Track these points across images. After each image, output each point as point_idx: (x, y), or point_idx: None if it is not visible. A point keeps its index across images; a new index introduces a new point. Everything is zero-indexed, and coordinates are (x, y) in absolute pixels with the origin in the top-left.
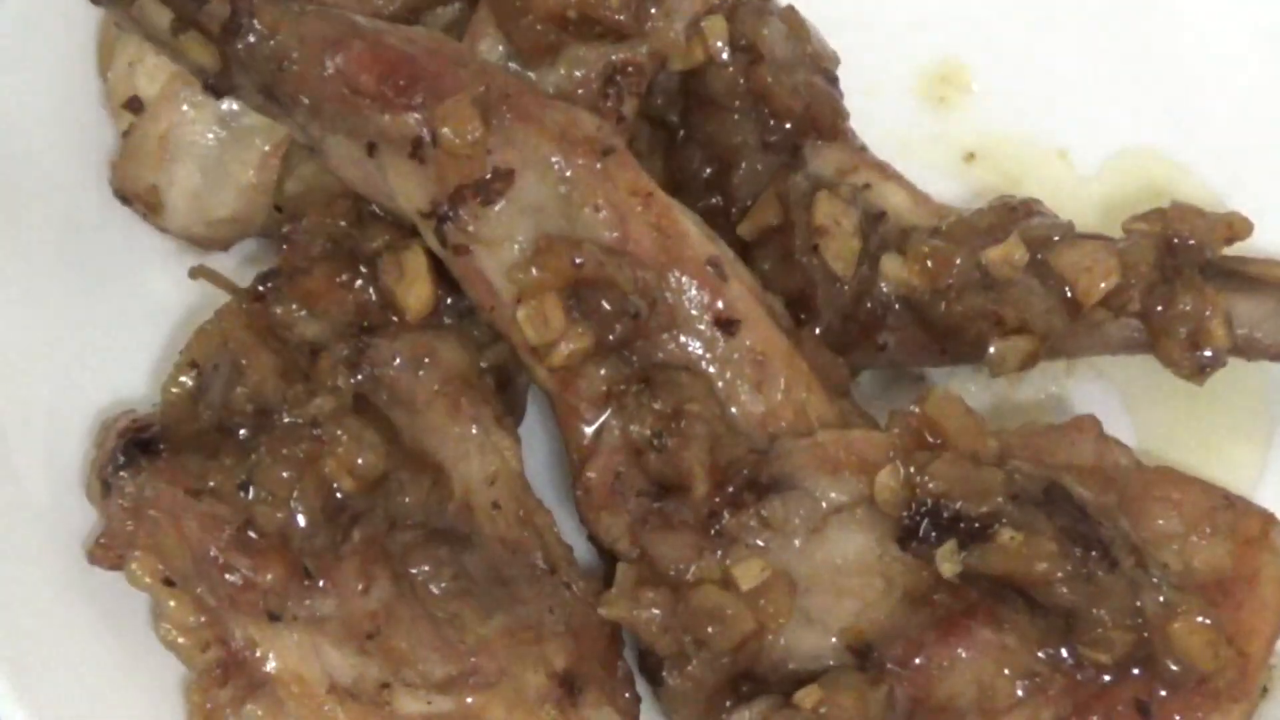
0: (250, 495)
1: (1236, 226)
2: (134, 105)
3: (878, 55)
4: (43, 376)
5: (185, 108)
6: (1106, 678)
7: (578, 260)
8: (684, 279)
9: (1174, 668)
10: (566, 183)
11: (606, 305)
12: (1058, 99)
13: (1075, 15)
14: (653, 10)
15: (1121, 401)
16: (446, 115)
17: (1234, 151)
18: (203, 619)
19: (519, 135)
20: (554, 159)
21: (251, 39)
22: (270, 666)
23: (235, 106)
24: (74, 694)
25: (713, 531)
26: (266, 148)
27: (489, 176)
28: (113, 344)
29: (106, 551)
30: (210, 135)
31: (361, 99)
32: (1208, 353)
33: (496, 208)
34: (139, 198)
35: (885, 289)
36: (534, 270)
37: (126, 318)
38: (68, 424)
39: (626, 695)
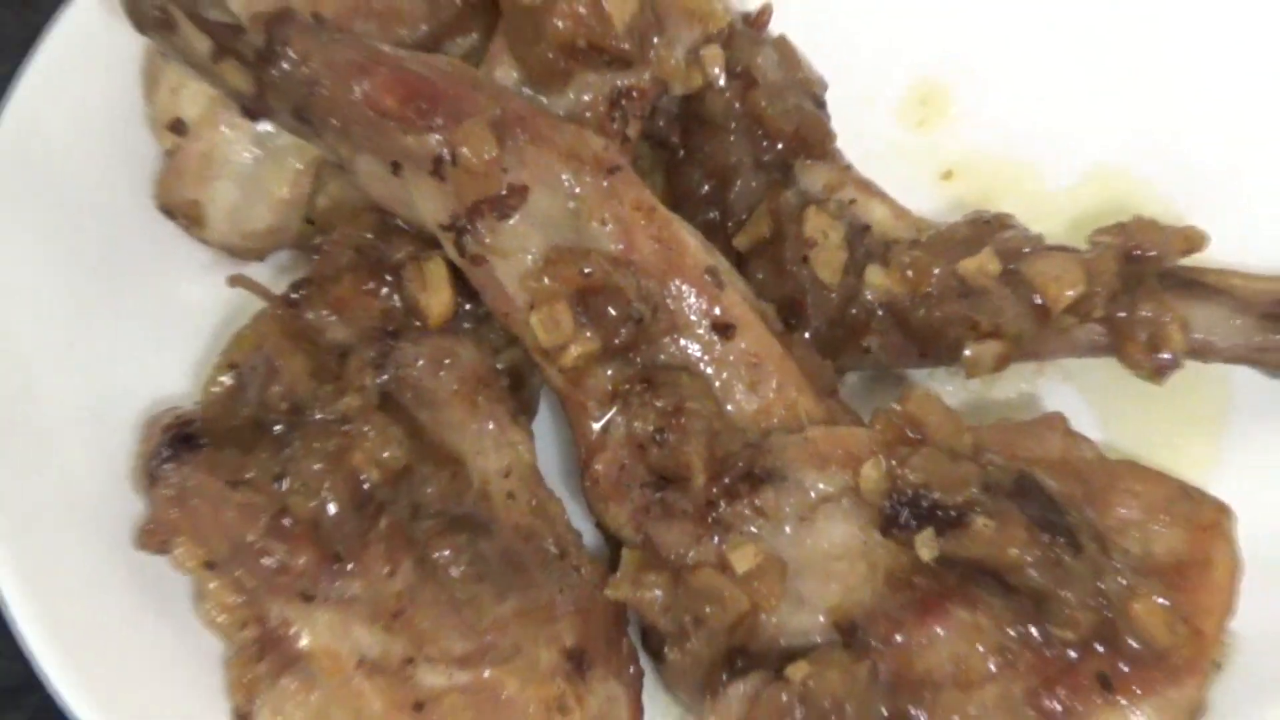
0: (284, 486)
1: (1193, 239)
2: (177, 127)
3: (862, 80)
4: (91, 377)
5: (224, 129)
6: (1072, 654)
7: (586, 270)
8: (684, 287)
9: (1134, 645)
10: (575, 198)
11: (612, 311)
12: (1030, 121)
13: (1047, 43)
14: (655, 40)
15: (1086, 400)
16: (465, 136)
17: (1192, 170)
18: (241, 599)
19: (531, 155)
20: (564, 177)
21: (285, 66)
22: (303, 643)
23: (270, 128)
24: (122, 669)
25: (710, 519)
26: (299, 166)
27: (504, 193)
28: (156, 346)
29: (152, 538)
30: (247, 155)
31: (386, 121)
32: (1166, 355)
33: (511, 221)
34: (182, 212)
35: (869, 297)
36: (546, 279)
37: (169, 322)
38: (115, 420)
39: (630, 670)
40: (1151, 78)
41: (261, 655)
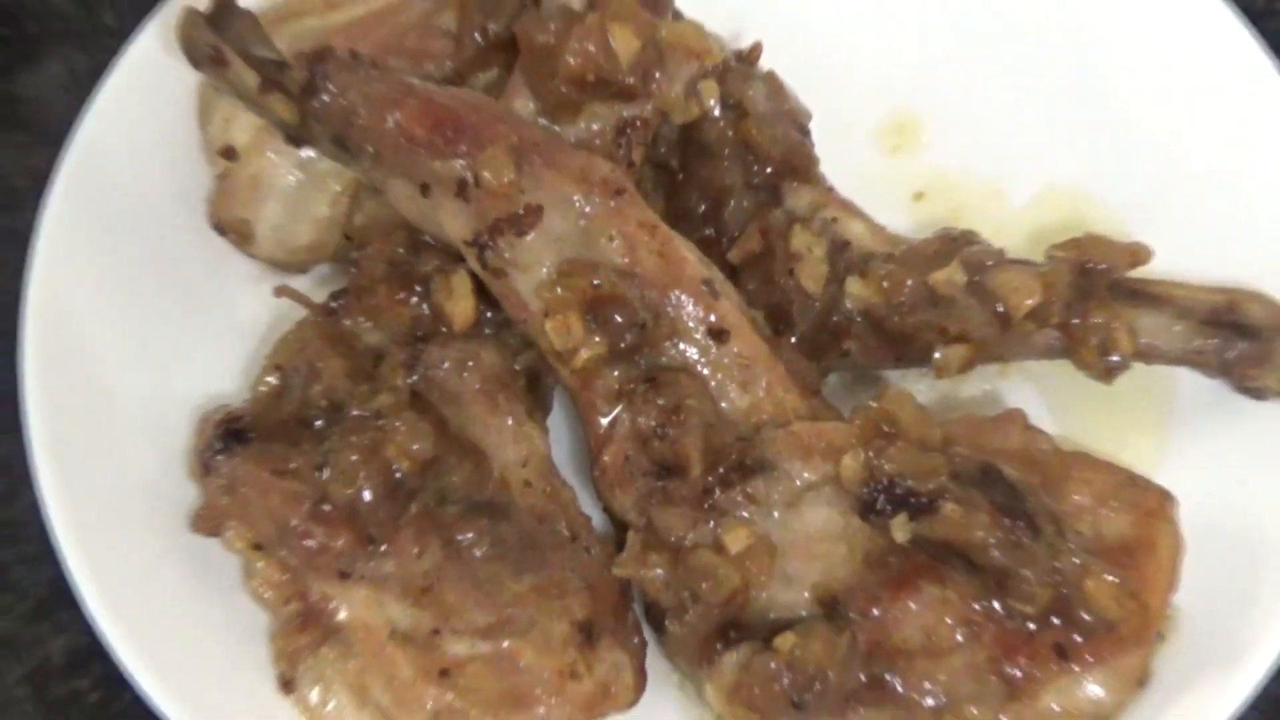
0: (324, 475)
1: (1140, 253)
2: (228, 153)
3: (843, 110)
4: (153, 376)
5: (271, 155)
6: (1031, 626)
7: (595, 281)
8: (682, 296)
9: (1087, 618)
10: (585, 217)
11: (619, 318)
12: (993, 147)
13: (1007, 79)
14: (657, 75)
15: (1044, 398)
16: (486, 161)
17: (1138, 191)
18: (285, 577)
19: (546, 178)
20: (575, 198)
21: (325, 98)
22: (341, 617)
23: (312, 154)
24: (177, 639)
25: (706, 505)
26: (338, 188)
27: (521, 212)
28: (210, 349)
29: (205, 522)
30: (291, 178)
31: (416, 148)
32: (1115, 358)
33: (528, 238)
34: (233, 229)
35: (849, 305)
36: (559, 289)
37: (221, 328)
38: (174, 416)
39: (635, 640)
40: (1100, 109)
41: (304, 627)
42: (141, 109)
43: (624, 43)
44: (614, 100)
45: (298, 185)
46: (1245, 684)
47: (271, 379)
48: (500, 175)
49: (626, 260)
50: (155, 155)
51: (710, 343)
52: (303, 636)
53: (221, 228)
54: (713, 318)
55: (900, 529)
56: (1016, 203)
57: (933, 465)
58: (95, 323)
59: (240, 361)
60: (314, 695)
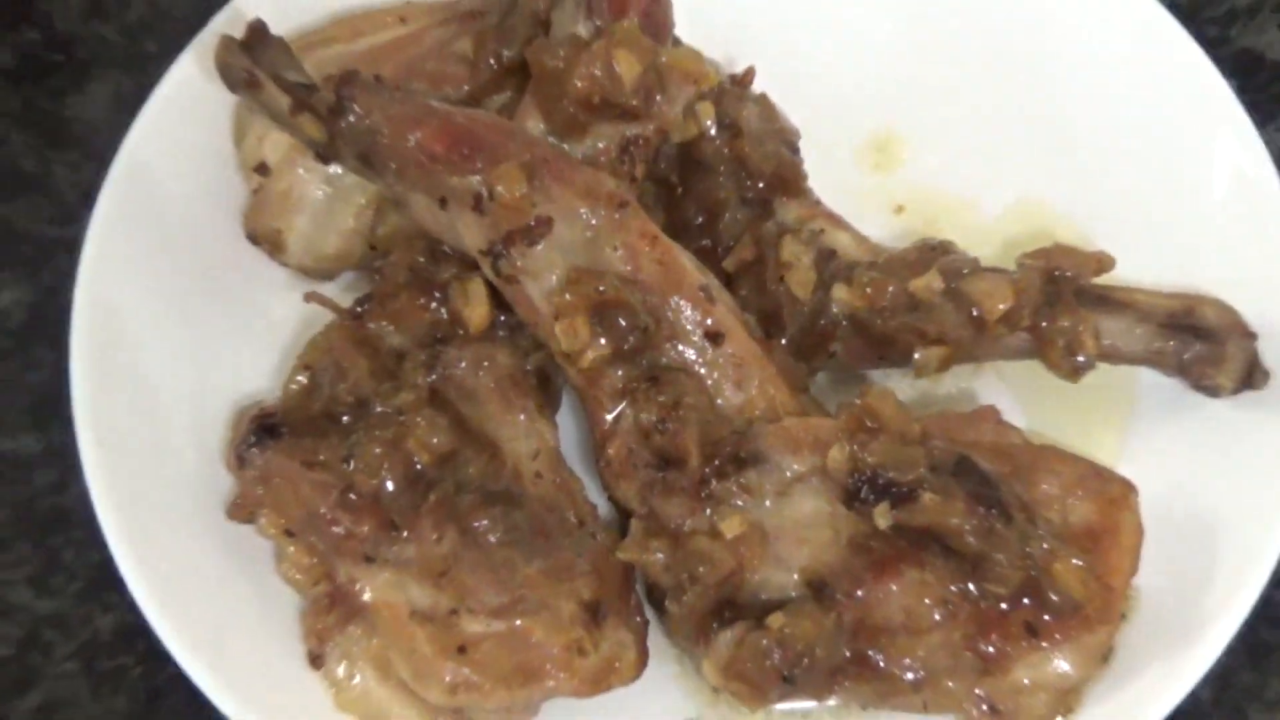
0: (351, 467)
1: (1103, 262)
2: (262, 169)
3: (830, 130)
4: (191, 376)
5: (301, 171)
6: (1003, 606)
7: (600, 288)
8: (681, 302)
9: (1055, 598)
10: (592, 229)
11: (622, 322)
12: (966, 164)
13: (980, 101)
14: (658, 97)
15: (1015, 395)
16: (500, 177)
17: (1102, 203)
18: (314, 561)
19: (555, 192)
20: (582, 210)
21: (351, 119)
22: (366, 597)
23: (339, 170)
24: (214, 618)
25: (703, 495)
26: (363, 201)
27: (532, 224)
28: (245, 351)
29: (241, 510)
30: (320, 192)
31: (435, 164)
32: (1081, 358)
33: (538, 248)
34: (265, 239)
35: (835, 310)
36: (567, 295)
37: (255, 331)
38: (212, 411)
39: (638, 619)
40: (1064, 130)
41: (331, 607)
42: (180, 128)
43: (627, 67)
44: (618, 120)
45: (326, 199)
46: (1202, 660)
47: (302, 378)
48: (513, 190)
49: (629, 268)
50: (193, 171)
51: (707, 344)
52: (330, 616)
53: (255, 238)
54: (709, 321)
55: (882, 516)
56: (989, 215)
57: (912, 457)
58: (139, 325)
59: (273, 362)
60: (340, 670)
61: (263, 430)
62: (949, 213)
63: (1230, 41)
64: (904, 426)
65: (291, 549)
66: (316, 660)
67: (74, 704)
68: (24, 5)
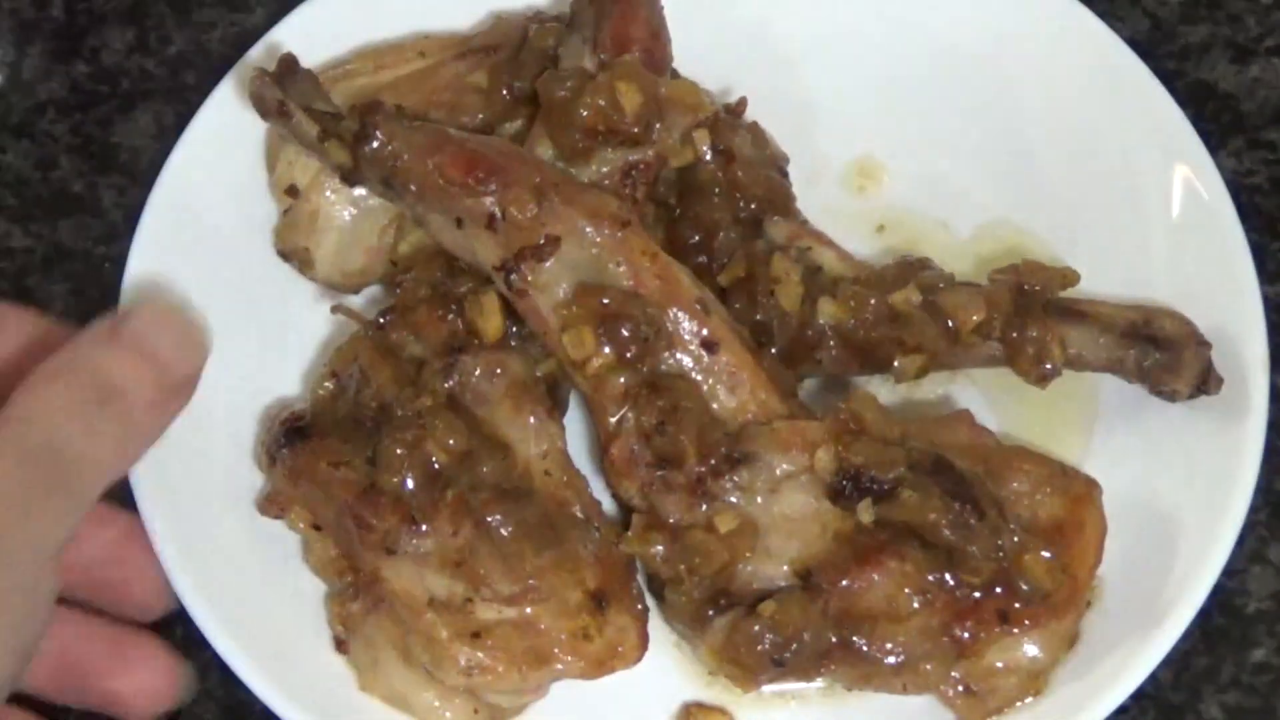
0: (375, 466)
1: (1069, 276)
2: (292, 192)
3: (815, 156)
4: (228, 382)
5: (328, 193)
6: (977, 595)
7: (605, 301)
8: (679, 314)
9: (1025, 588)
10: (597, 246)
11: (625, 332)
12: (941, 188)
13: (954, 130)
14: (658, 126)
15: (987, 400)
16: (512, 199)
17: (1065, 222)
18: (339, 553)
19: (563, 213)
20: (588, 230)
21: (375, 145)
22: (388, 586)
23: (363, 192)
24: (247, 605)
25: (700, 492)
26: (385, 221)
27: (542, 242)
28: (276, 358)
29: (272, 506)
30: (346, 213)
31: (452, 187)
32: (1048, 366)
33: (547, 264)
34: (296, 256)
35: (821, 321)
36: (574, 308)
37: (286, 340)
38: (247, 413)
39: (639, 607)
40: (1031, 154)
41: (356, 595)
42: (217, 154)
43: (630, 98)
44: (621, 147)
45: (351, 219)
46: (1162, 645)
47: (329, 384)
48: (524, 211)
49: (631, 283)
50: (229, 193)
51: (703, 353)
52: (355, 604)
53: (286, 255)
54: (705, 332)
55: (865, 512)
56: (962, 235)
57: (893, 457)
58: None
59: (302, 368)
60: (364, 654)
61: (292, 432)
62: (925, 232)
63: (1185, 74)
64: (885, 429)
65: (319, 543)
66: (342, 645)
67: None
68: (75, 41)
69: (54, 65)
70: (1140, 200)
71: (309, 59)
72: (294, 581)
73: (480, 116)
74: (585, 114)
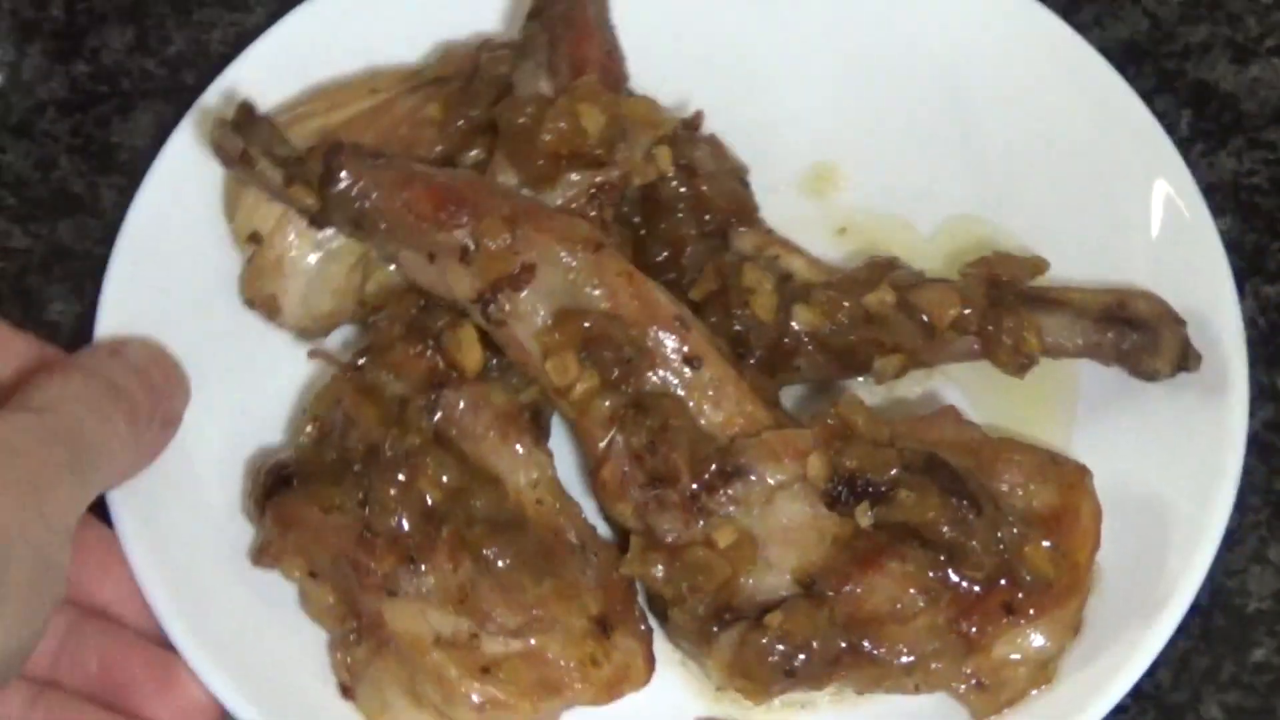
0: (367, 509)
1: (1039, 265)
2: (255, 239)
3: (771, 163)
4: (209, 434)
5: (292, 237)
6: (981, 589)
7: (585, 325)
8: (660, 332)
9: (1027, 579)
10: (572, 271)
11: (607, 354)
12: (901, 186)
13: (908, 128)
14: (620, 145)
15: (966, 397)
16: (485, 230)
17: (1028, 212)
18: (338, 599)
19: (536, 240)
20: (562, 255)
21: (341, 186)
22: (391, 628)
23: (327, 234)
24: (251, 656)
25: (696, 509)
26: (351, 261)
27: (517, 271)
28: (255, 406)
29: (265, 556)
30: (311, 256)
31: (423, 222)
32: (1027, 356)
33: (524, 293)
34: (262, 304)
35: (797, 328)
36: (555, 334)
37: (263, 387)
38: (229, 465)
39: (643, 629)
40: (990, 150)
41: (359, 640)
42: (176, 204)
43: (591, 120)
44: (586, 169)
45: (317, 262)
46: (1164, 629)
47: (311, 429)
48: (497, 240)
49: (609, 304)
50: (193, 242)
51: (686, 369)
52: (359, 649)
53: (252, 303)
54: (686, 348)
55: (863, 515)
56: (925, 232)
57: (886, 459)
58: None
59: (282, 415)
60: (373, 700)
61: (279, 481)
62: (888, 232)
63: (1185, 74)
64: (875, 431)
65: (315, 590)
66: (349, 691)
67: None
68: (75, 41)
69: (54, 65)
70: (1099, 187)
71: (260, 102)
72: (296, 629)
73: (438, 149)
74: (548, 139)
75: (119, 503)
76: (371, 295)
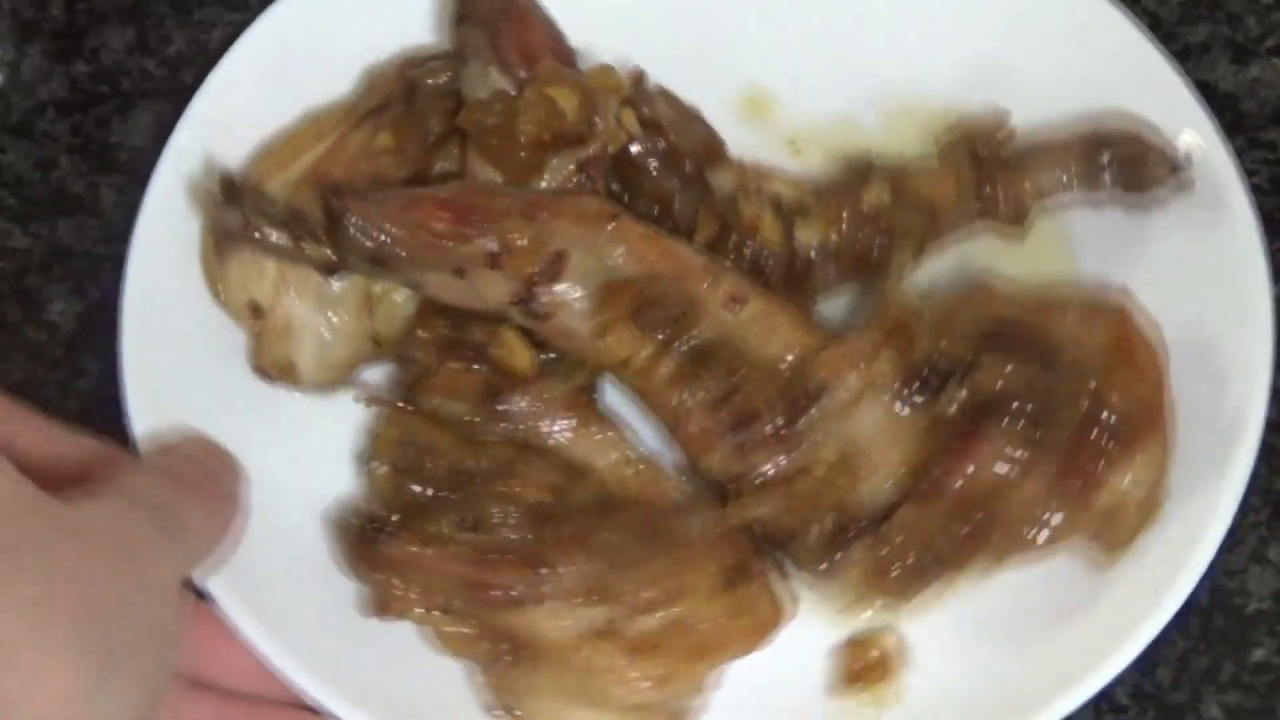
0: (476, 530)
1: (1002, 120)
2: (256, 310)
3: (702, 100)
4: (278, 503)
5: (292, 296)
6: (1074, 441)
7: (631, 294)
8: (698, 282)
9: (1112, 418)
10: (598, 246)
11: (658, 317)
12: (838, 89)
13: (831, 24)
14: (595, 118)
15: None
16: (507, 230)
17: (968, 76)
18: (473, 627)
19: (557, 227)
20: (585, 234)
21: (351, 229)
22: (537, 639)
23: (327, 284)
24: (391, 700)
25: (785, 440)
26: (357, 303)
27: (549, 262)
28: (322, 463)
29: (383, 609)
30: (316, 311)
31: (444, 240)
32: (1025, 212)
33: (561, 282)
34: (279, 370)
35: (804, 247)
36: (605, 312)
37: (311, 442)
38: (307, 527)
39: (768, 568)
40: (907, 27)
41: (509, 660)
42: (171, 281)
43: (567, 100)
44: (567, 150)
45: (325, 314)
46: (1236, 483)
47: (384, 472)
48: (523, 237)
49: (643, 269)
50: (196, 316)
51: (732, 311)
52: (511, 669)
53: (266, 373)
54: (726, 290)
55: (948, 401)
56: (874, 126)
57: (952, 340)
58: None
59: (335, 463)
60: (541, 714)
61: (375, 531)
62: (838, 136)
63: (1185, 74)
64: (932, 316)
65: (445, 625)
66: (510, 712)
67: None
68: (75, 41)
69: (54, 65)
70: (1036, 38)
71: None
72: (429, 669)
73: (403, 174)
74: (530, 129)
75: (217, 582)
76: (383, 331)
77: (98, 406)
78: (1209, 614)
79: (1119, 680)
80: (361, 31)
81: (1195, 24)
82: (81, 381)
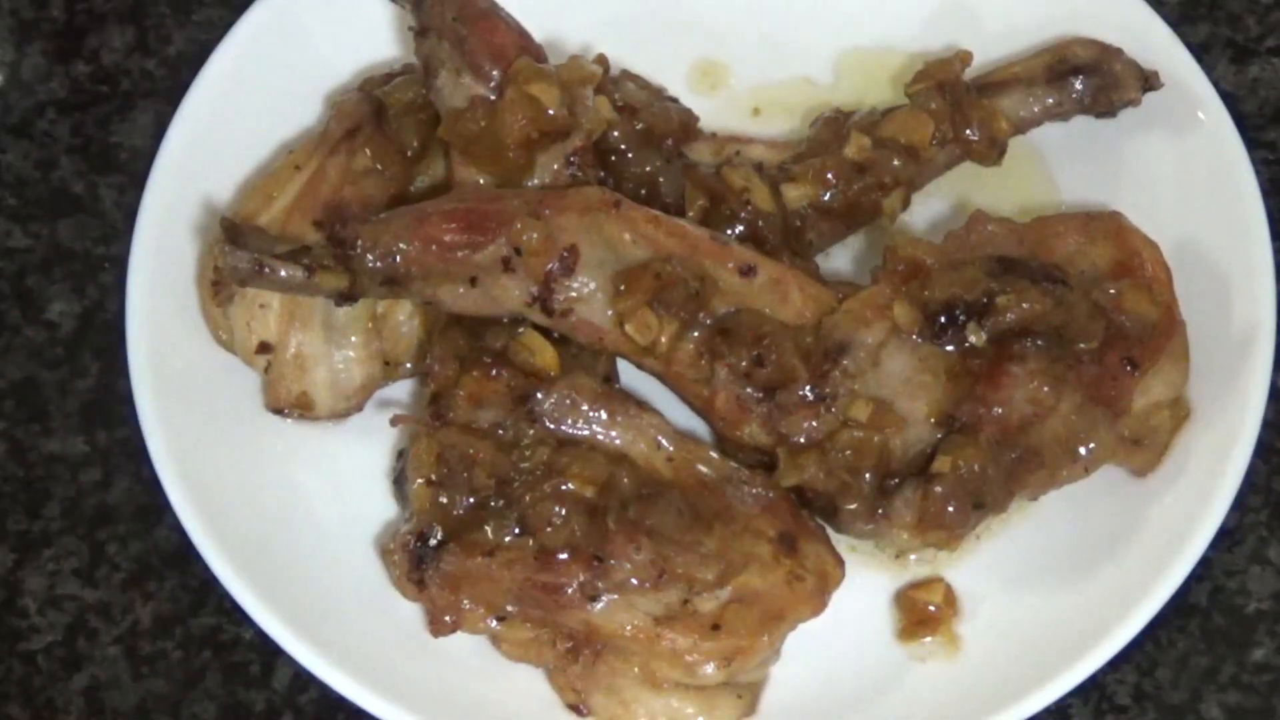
0: (529, 532)
1: (964, 57)
2: (264, 349)
3: (656, 74)
4: (330, 533)
5: (299, 332)
6: (1100, 356)
7: (646, 277)
8: (708, 257)
9: (1131, 329)
10: (606, 235)
11: (676, 297)
12: (790, 52)
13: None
14: (577, 108)
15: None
16: (517, 232)
17: (921, 15)
18: (535, 629)
19: (564, 221)
20: (590, 224)
21: (364, 253)
22: (605, 631)
23: (334, 313)
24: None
25: (819, 399)
26: (364, 328)
27: (563, 257)
28: (352, 489)
29: (443, 625)
30: (325, 342)
31: (454, 251)
32: (1000, 142)
33: (576, 275)
34: (294, 406)
35: (795, 206)
36: (625, 299)
37: (355, 468)
38: (360, 551)
39: (818, 530)
40: None
41: (575, 657)
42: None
43: (549, 96)
44: (553, 145)
45: (331, 343)
46: (1259, 387)
47: (426, 490)
48: (533, 236)
49: (654, 251)
50: (206, 360)
51: (745, 280)
52: (577, 666)
53: (280, 409)
54: (735, 261)
55: (975, 335)
56: (827, 80)
57: (967, 276)
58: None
59: (366, 489)
60: (611, 704)
61: (423, 550)
62: (798, 97)
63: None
64: (940, 256)
65: (510, 631)
66: (582, 709)
67: (117, 686)
68: (75, 41)
69: (54, 65)
70: None
71: (196, 203)
72: (509, 675)
73: (390, 192)
74: (516, 130)
75: (283, 634)
76: (390, 350)
77: (96, 405)
78: (1209, 614)
79: (1119, 680)
80: (323, 54)
81: (1195, 24)
82: (81, 381)
